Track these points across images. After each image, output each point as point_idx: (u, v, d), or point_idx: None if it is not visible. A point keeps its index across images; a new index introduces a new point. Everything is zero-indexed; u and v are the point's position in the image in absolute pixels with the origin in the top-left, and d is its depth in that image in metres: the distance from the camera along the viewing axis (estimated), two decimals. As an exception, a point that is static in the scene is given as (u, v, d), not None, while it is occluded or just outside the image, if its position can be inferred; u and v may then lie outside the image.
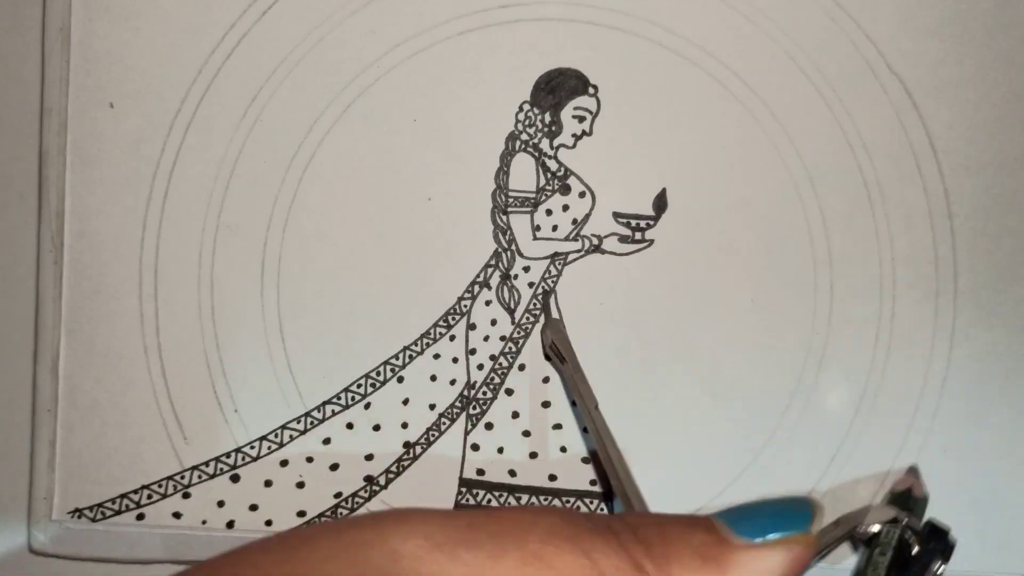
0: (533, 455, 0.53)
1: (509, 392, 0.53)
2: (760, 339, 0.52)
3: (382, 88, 0.52)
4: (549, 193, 0.52)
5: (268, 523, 0.52)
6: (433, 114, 0.52)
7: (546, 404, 0.53)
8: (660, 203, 0.52)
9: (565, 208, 0.52)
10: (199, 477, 0.52)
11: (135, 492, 0.52)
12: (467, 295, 0.52)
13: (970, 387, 0.52)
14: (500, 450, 0.53)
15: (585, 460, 0.53)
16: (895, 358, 0.52)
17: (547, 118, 0.52)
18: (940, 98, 0.52)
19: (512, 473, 0.53)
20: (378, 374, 0.52)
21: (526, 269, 0.52)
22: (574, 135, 0.52)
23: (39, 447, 0.52)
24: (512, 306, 0.52)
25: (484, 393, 0.53)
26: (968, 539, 0.51)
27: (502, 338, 0.53)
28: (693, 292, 0.52)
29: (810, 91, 0.52)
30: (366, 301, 0.52)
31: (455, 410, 0.53)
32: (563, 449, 0.53)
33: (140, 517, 0.52)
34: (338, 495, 0.52)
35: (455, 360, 0.53)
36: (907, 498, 0.49)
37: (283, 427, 0.52)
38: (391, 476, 0.53)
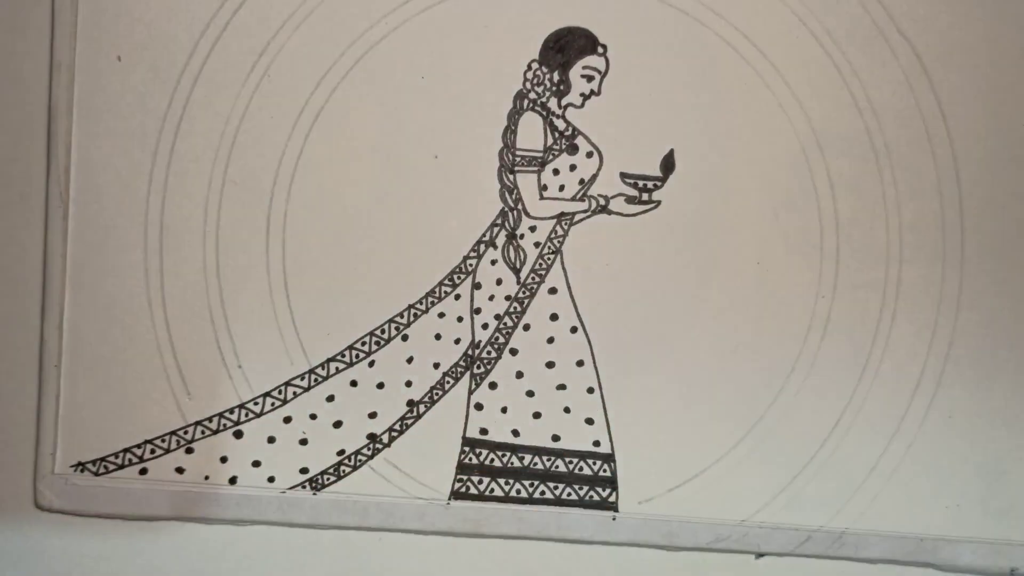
0: (536, 415, 0.53)
1: (513, 352, 0.53)
2: (766, 302, 0.52)
3: (390, 44, 0.51)
4: (556, 152, 0.52)
5: (271, 479, 0.52)
6: (441, 71, 0.51)
7: (550, 364, 0.53)
8: (667, 164, 0.52)
9: (572, 168, 0.52)
10: (202, 433, 0.52)
11: (138, 447, 0.52)
12: (473, 254, 0.52)
13: (975, 353, 0.52)
14: (504, 410, 0.53)
15: (588, 421, 0.53)
16: (900, 323, 0.52)
17: (555, 77, 0.52)
18: (950, 62, 0.52)
19: (515, 433, 0.53)
20: (383, 332, 0.52)
21: (532, 229, 0.52)
22: (582, 94, 0.52)
23: (46, 403, 0.52)
24: (518, 266, 0.52)
25: (488, 353, 0.53)
26: (971, 505, 0.51)
27: (507, 298, 0.53)
28: (699, 254, 0.52)
29: (819, 53, 0.52)
30: (371, 258, 0.52)
31: (459, 369, 0.53)
32: (567, 410, 0.53)
33: (143, 472, 0.52)
34: (341, 452, 0.52)
35: (460, 319, 0.53)
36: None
37: (287, 384, 0.52)
38: (394, 434, 0.53)
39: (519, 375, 0.53)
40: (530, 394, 0.53)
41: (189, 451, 0.52)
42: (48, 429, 0.52)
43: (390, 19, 0.51)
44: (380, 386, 0.53)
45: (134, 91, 0.51)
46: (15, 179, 0.52)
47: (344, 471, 0.52)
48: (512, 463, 0.53)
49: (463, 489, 0.53)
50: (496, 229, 0.52)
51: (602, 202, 0.52)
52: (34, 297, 0.52)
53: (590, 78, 0.52)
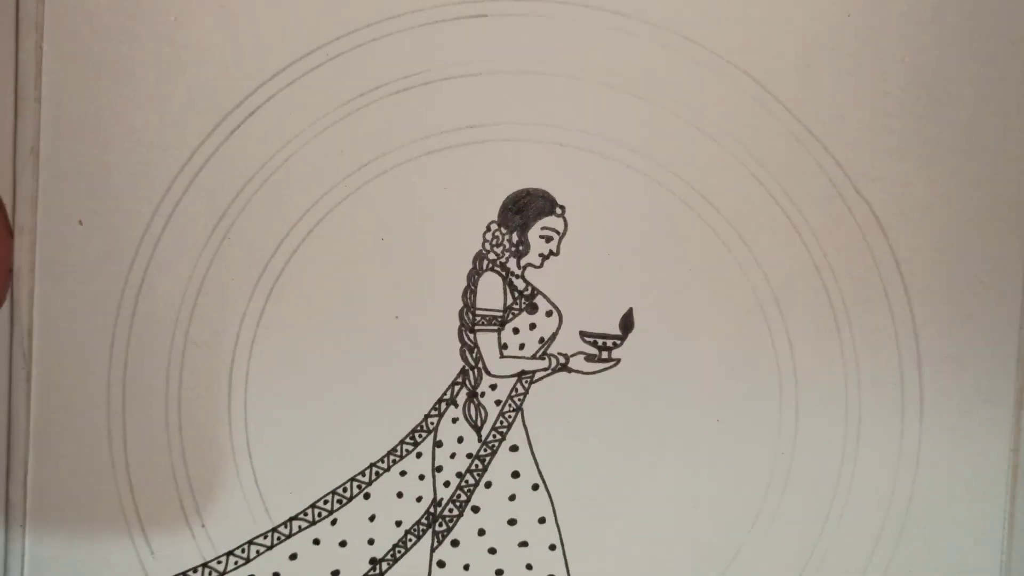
0: (499, 572, 0.53)
1: (475, 509, 0.53)
2: (726, 459, 0.52)
3: (349, 207, 0.52)
4: (516, 312, 0.52)
5: (234, 638, 0.53)
6: (400, 233, 0.52)
7: (512, 522, 0.53)
8: (627, 323, 0.52)
9: (532, 327, 0.52)
10: (166, 592, 0.53)
11: (102, 606, 0.52)
12: (434, 412, 0.53)
13: (935, 508, 0.52)
14: (466, 567, 0.53)
15: (550, 577, 0.53)
16: (860, 478, 0.52)
17: (514, 238, 0.52)
18: (907, 220, 0.52)
19: (478, 590, 0.53)
20: (345, 490, 0.53)
21: (493, 387, 0.53)
22: (541, 255, 0.52)
23: (12, 563, 0.52)
24: (479, 423, 0.53)
25: (450, 510, 0.53)
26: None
27: (469, 455, 0.53)
28: (660, 412, 0.52)
29: (776, 212, 0.52)
30: (333, 418, 0.52)
31: (421, 527, 0.53)
32: (529, 567, 0.53)
33: (107, 631, 0.52)
34: (304, 611, 0.53)
35: (422, 477, 0.53)
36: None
37: (250, 542, 0.53)
38: (357, 592, 0.53)
39: (481, 532, 0.53)
40: (492, 551, 0.53)
41: (153, 610, 0.52)
42: (14, 584, 0.52)
43: (349, 182, 0.52)
44: (343, 544, 0.53)
45: (96, 254, 0.52)
46: (-22, 340, 0.52)
47: (307, 630, 0.53)
48: (474, 621, 0.53)
49: (427, 644, 0.53)
50: (457, 387, 0.53)
51: (562, 360, 0.52)
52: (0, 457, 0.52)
53: (549, 238, 0.52)
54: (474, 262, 0.52)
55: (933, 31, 0.51)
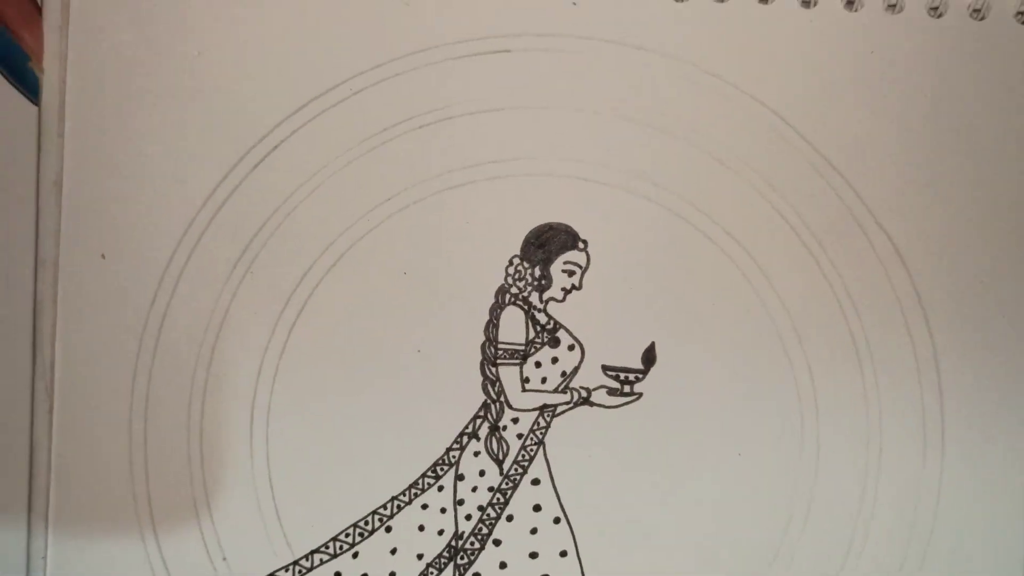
0: (521, 605, 0.53)
1: (497, 543, 0.53)
2: (748, 491, 0.52)
3: (372, 240, 0.52)
4: (538, 346, 0.52)
5: (256, 672, 0.53)
6: (423, 267, 0.52)
7: (534, 555, 0.53)
8: (649, 357, 0.52)
9: (554, 360, 0.52)
10: (187, 626, 0.52)
11: (123, 639, 0.52)
12: (456, 446, 0.53)
13: (957, 541, 0.52)
14: (488, 600, 0.53)
15: (572, 611, 0.53)
16: (881, 510, 0.52)
17: (537, 272, 0.52)
18: (928, 252, 0.52)
19: (500, 623, 0.53)
20: (366, 523, 0.53)
21: (515, 420, 0.53)
22: (564, 289, 0.52)
23: (28, 600, 0.52)
24: (500, 457, 0.53)
25: (472, 544, 0.53)
26: None
27: (490, 489, 0.53)
28: (681, 445, 0.52)
29: (796, 244, 0.52)
30: (355, 451, 0.52)
31: (443, 560, 0.53)
32: (550, 600, 0.53)
33: (128, 665, 0.52)
34: (326, 645, 0.53)
35: (443, 510, 0.53)
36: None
37: (271, 575, 0.53)
38: (379, 625, 0.53)
39: (503, 566, 0.53)
40: (514, 585, 0.53)
41: (174, 644, 0.52)
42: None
43: (372, 216, 0.52)
44: (364, 577, 0.53)
45: (118, 288, 0.52)
46: (2, 374, 0.52)
47: (329, 663, 0.53)
48: (496, 655, 0.53)
49: (448, 677, 0.53)
50: (479, 421, 0.53)
51: (584, 394, 0.52)
52: (21, 493, 0.52)
53: (571, 272, 0.52)
54: (496, 296, 0.52)
55: (956, 66, 0.52)
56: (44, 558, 0.52)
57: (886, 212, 0.52)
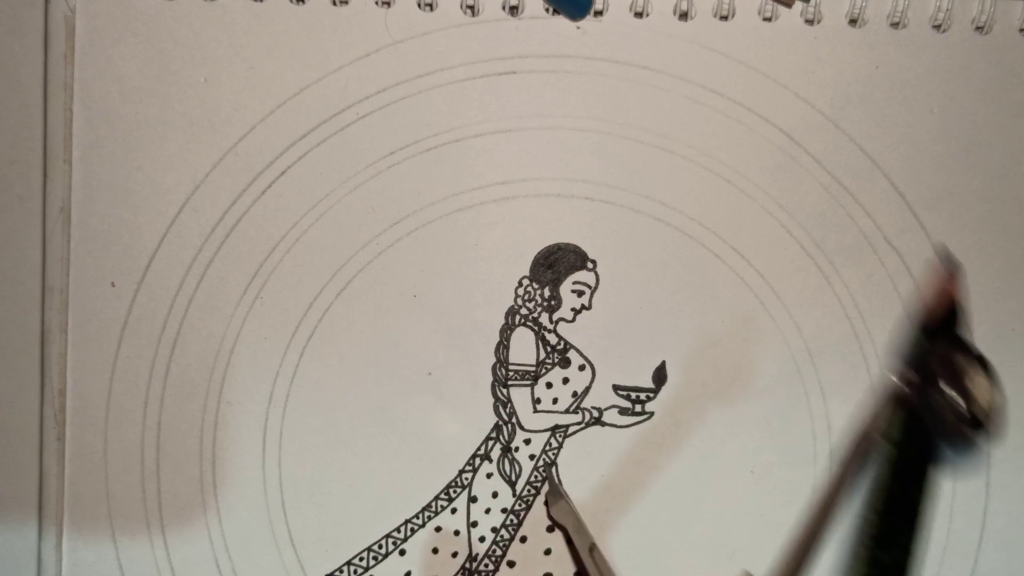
0: (535, 627, 0.53)
1: (511, 564, 0.53)
2: (761, 511, 0.52)
3: (382, 264, 0.52)
4: (549, 366, 0.52)
5: None
6: (432, 289, 0.52)
7: (548, 576, 0.53)
8: (660, 376, 0.52)
9: (565, 381, 0.52)
10: (202, 652, 0.52)
11: (138, 666, 0.52)
12: (468, 468, 0.53)
13: (970, 560, 0.52)
14: (502, 622, 0.53)
15: (587, 631, 0.53)
16: (895, 527, 0.52)
17: (546, 292, 0.52)
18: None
19: (514, 645, 0.53)
20: (380, 547, 0.53)
21: (527, 442, 0.53)
22: (573, 309, 0.52)
23: (42, 627, 0.52)
24: (513, 479, 0.53)
25: (486, 565, 0.53)
26: None
27: (503, 510, 0.53)
28: (694, 464, 0.52)
29: (807, 263, 0.52)
30: (367, 474, 0.52)
31: (457, 583, 0.53)
32: (565, 621, 0.53)
33: None
34: (341, 669, 0.53)
35: (457, 533, 0.53)
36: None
37: (286, 601, 0.53)
38: (394, 649, 0.53)
39: (517, 587, 0.53)
40: (528, 606, 0.53)
41: (189, 670, 0.52)
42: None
43: (381, 240, 0.52)
44: (379, 601, 0.53)
45: (128, 315, 0.52)
46: (9, 404, 0.52)
47: None
48: (512, 677, 0.53)
49: None
50: (491, 443, 0.53)
51: (595, 414, 0.52)
52: (31, 528, 0.52)
53: (581, 293, 0.52)
54: (506, 317, 0.52)
55: (962, 81, 0.52)
56: (58, 586, 0.52)
57: (897, 232, 0.52)
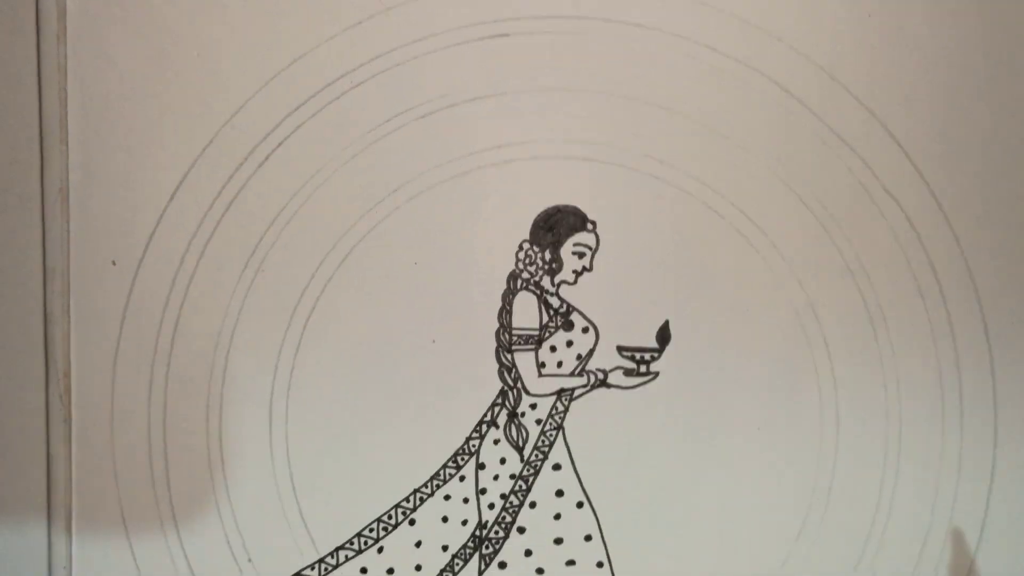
0: (548, 591, 0.53)
1: (521, 530, 0.53)
2: (769, 468, 0.52)
3: (381, 233, 0.52)
4: (553, 330, 0.52)
5: (286, 671, 0.52)
6: (433, 256, 0.52)
7: (558, 541, 0.53)
8: (663, 336, 0.52)
9: (569, 344, 0.52)
10: (216, 628, 0.52)
11: (152, 645, 0.52)
12: (475, 435, 0.53)
13: (980, 510, 0.52)
14: (515, 588, 0.53)
15: (600, 594, 0.53)
16: (903, 483, 0.52)
17: (547, 255, 0.52)
18: (937, 218, 0.52)
19: (528, 610, 0.53)
20: (390, 518, 0.53)
21: (533, 406, 0.52)
22: (575, 271, 0.52)
23: (55, 608, 0.52)
24: (521, 444, 0.53)
25: (496, 532, 0.53)
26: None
27: (512, 476, 0.53)
28: (700, 423, 0.52)
29: (808, 218, 0.52)
30: (375, 446, 0.52)
31: (468, 550, 0.53)
32: (577, 584, 0.53)
33: (158, 670, 0.52)
34: (355, 640, 0.53)
35: (466, 500, 0.53)
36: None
37: (297, 574, 0.52)
38: (407, 618, 0.53)
39: (528, 553, 0.53)
40: (540, 572, 0.53)
41: (203, 647, 0.52)
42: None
43: (379, 209, 0.52)
44: (390, 572, 0.53)
45: (130, 294, 0.52)
46: (14, 386, 0.52)
47: (359, 659, 0.52)
48: (526, 642, 0.53)
49: (479, 667, 0.53)
50: (497, 409, 0.52)
51: (601, 376, 0.52)
52: (40, 505, 0.52)
53: (582, 255, 0.52)
54: (508, 282, 0.52)
55: (955, 27, 0.51)
56: (66, 568, 0.52)
57: (895, 181, 0.52)
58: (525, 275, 0.52)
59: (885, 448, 0.52)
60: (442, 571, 0.53)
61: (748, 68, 0.51)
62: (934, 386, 0.52)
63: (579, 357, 0.52)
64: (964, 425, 0.52)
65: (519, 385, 0.52)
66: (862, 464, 0.52)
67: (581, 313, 0.52)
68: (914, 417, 0.52)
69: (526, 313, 0.52)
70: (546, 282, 0.52)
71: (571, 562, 0.53)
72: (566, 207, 0.52)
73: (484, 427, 0.52)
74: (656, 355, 0.52)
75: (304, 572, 0.53)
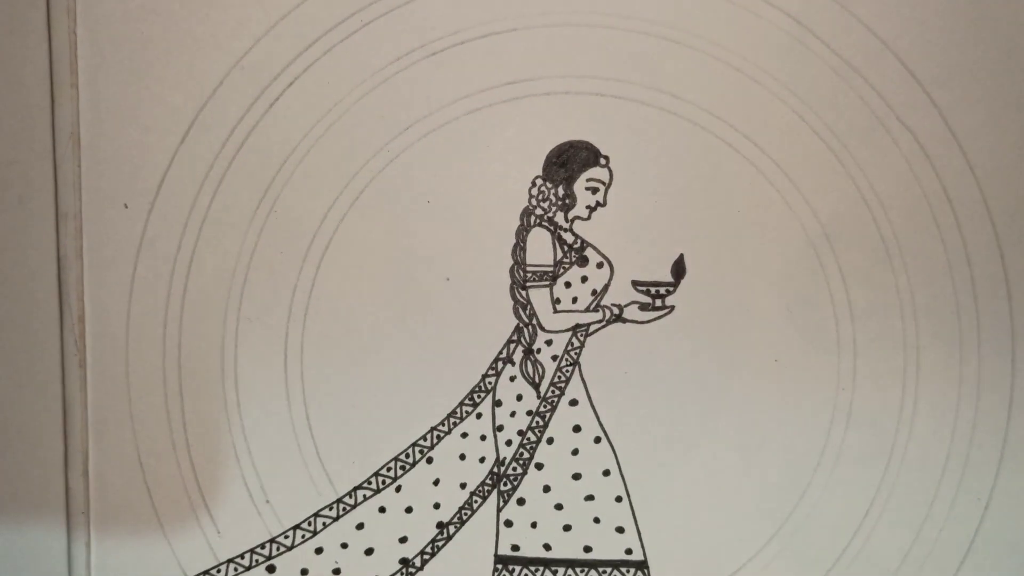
0: (567, 528, 0.53)
1: (539, 467, 0.53)
2: (787, 399, 0.52)
3: (394, 171, 0.52)
4: (567, 265, 0.52)
5: (307, 611, 0.53)
6: (446, 194, 0.52)
7: (576, 476, 0.53)
8: (678, 269, 0.52)
9: (584, 279, 0.52)
10: (235, 570, 0.52)
11: (172, 588, 0.52)
12: (491, 372, 0.52)
13: (999, 434, 0.52)
14: (534, 525, 0.53)
15: (619, 530, 0.53)
16: (922, 409, 0.52)
17: (560, 191, 0.52)
18: (951, 147, 0.52)
19: (547, 547, 0.53)
20: (407, 456, 0.52)
21: (548, 343, 0.52)
22: (588, 206, 0.52)
23: (75, 552, 0.52)
24: (537, 380, 0.52)
25: (514, 469, 0.53)
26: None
27: (528, 413, 0.53)
28: (717, 356, 0.52)
29: (821, 148, 0.52)
30: (391, 384, 0.52)
31: (486, 487, 0.53)
32: (596, 520, 0.53)
33: (179, 613, 0.52)
34: (375, 580, 0.53)
35: (483, 438, 0.53)
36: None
37: (316, 515, 0.53)
38: (426, 557, 0.53)
39: (546, 489, 0.53)
40: (559, 507, 0.53)
41: (223, 589, 0.52)
42: None
43: (392, 147, 0.51)
44: (408, 510, 0.53)
45: (143, 236, 0.51)
46: (29, 331, 0.52)
47: (379, 598, 0.52)
48: (546, 578, 0.53)
49: (499, 605, 0.53)
50: (512, 346, 0.52)
51: (616, 311, 0.52)
52: (57, 448, 0.52)
53: (595, 190, 0.52)
54: (521, 218, 0.52)
55: (966, -44, 0.51)
56: (85, 513, 0.52)
57: (909, 111, 0.52)
58: (538, 211, 0.52)
59: (903, 375, 0.52)
60: (461, 508, 0.53)
61: (759, -3, 0.51)
62: (951, 312, 0.52)
63: (594, 292, 0.52)
64: (981, 351, 0.52)
65: (534, 321, 0.52)
66: (881, 392, 0.52)
67: (595, 248, 0.52)
68: (932, 343, 0.52)
69: (540, 249, 0.52)
70: (559, 218, 0.52)
71: (590, 497, 0.53)
72: (578, 142, 0.52)
73: (500, 364, 0.52)
74: (671, 289, 0.52)
75: (323, 512, 0.53)
